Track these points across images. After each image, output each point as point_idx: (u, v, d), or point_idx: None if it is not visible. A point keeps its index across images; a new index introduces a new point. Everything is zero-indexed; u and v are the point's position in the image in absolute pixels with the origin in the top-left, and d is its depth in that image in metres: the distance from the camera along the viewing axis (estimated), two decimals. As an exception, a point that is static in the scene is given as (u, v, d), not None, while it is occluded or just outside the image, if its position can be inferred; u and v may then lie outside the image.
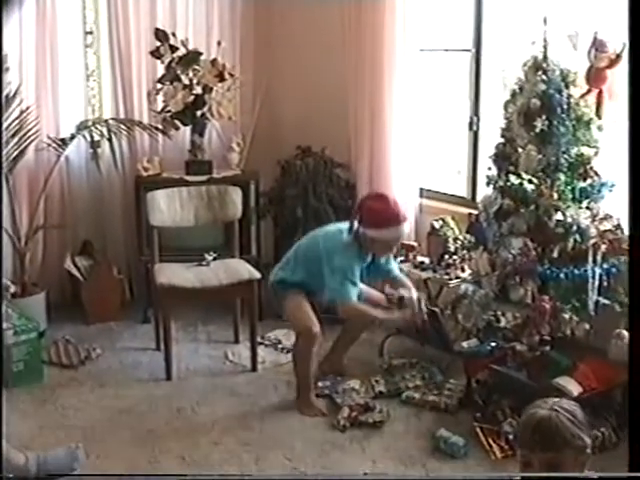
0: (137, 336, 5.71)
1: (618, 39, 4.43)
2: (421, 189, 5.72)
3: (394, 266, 4.89)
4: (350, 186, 5.86)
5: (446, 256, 5.05)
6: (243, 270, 5.15)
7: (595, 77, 4.49)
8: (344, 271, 4.44)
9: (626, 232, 4.35)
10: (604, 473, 3.35)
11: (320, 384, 4.87)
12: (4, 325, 4.78)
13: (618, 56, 4.44)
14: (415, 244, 5.40)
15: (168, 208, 5.29)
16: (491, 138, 4.84)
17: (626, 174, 4.46)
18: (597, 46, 4.46)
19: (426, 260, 5.23)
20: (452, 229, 5.11)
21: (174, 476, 4.07)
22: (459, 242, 5.04)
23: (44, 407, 4.68)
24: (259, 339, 5.38)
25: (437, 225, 5.14)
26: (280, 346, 5.48)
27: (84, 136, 5.69)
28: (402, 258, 5.33)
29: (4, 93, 5.23)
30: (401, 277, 4.85)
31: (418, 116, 5.64)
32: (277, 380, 5.04)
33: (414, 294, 4.64)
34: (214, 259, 5.26)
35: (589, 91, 4.50)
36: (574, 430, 2.47)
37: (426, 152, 5.87)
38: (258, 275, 5.14)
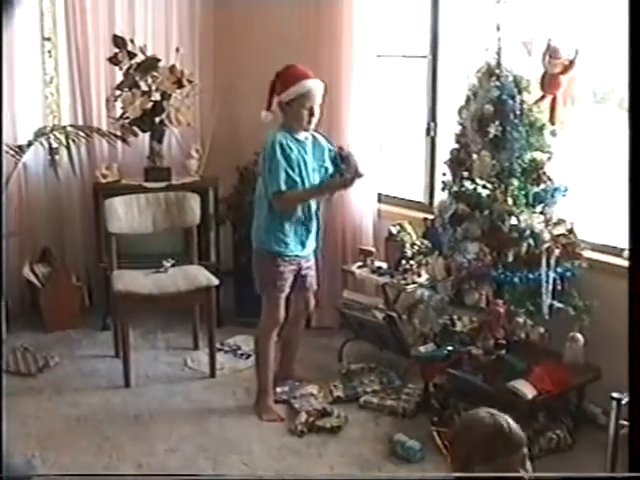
0: (96, 343, 5.69)
1: (571, 45, 4.48)
2: (379, 194, 5.74)
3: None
4: (309, 192, 5.86)
5: (403, 261, 5.07)
6: (201, 277, 5.16)
7: (549, 83, 4.54)
8: (277, 163, 4.44)
9: (579, 236, 4.40)
10: (604, 473, 3.40)
11: (278, 389, 4.88)
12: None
13: (571, 62, 4.49)
14: (373, 249, 5.42)
15: (126, 215, 5.28)
16: (448, 143, 4.87)
17: (577, 179, 4.56)
18: (551, 52, 4.51)
19: (384, 265, 5.25)
20: (409, 234, 5.13)
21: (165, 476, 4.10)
22: (416, 247, 5.06)
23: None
24: (218, 345, 5.39)
25: (394, 230, 5.16)
26: (239, 352, 5.49)
27: (41, 143, 5.66)
28: (360, 263, 5.36)
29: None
30: None
31: (376, 122, 5.66)
32: (236, 386, 5.04)
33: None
34: (172, 266, 5.26)
35: (543, 97, 4.55)
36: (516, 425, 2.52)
37: (384, 158, 5.89)
38: (216, 281, 5.14)
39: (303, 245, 4.64)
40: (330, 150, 4.67)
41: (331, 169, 4.65)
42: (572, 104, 4.68)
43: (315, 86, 4.53)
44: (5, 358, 5.26)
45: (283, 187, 4.41)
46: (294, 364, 5.07)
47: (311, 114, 4.50)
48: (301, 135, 4.56)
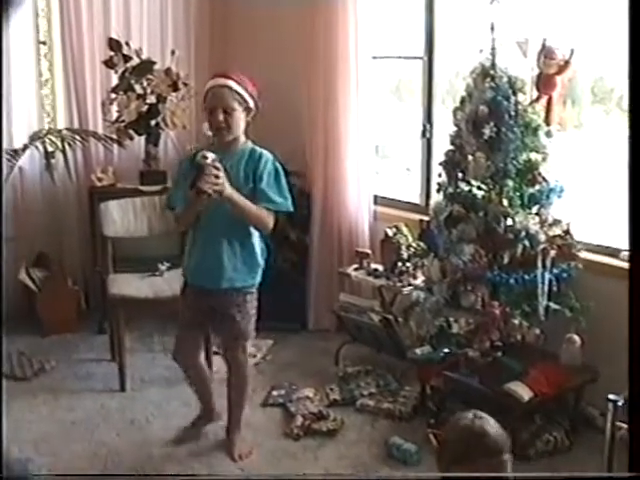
0: (93, 347, 5.67)
1: (567, 45, 4.47)
2: (375, 196, 5.73)
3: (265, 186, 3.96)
4: (305, 194, 5.85)
5: (399, 263, 5.05)
6: (197, 280, 5.14)
7: (544, 84, 4.53)
8: (176, 178, 4.17)
9: (575, 238, 4.38)
10: (605, 474, 3.38)
11: (274, 393, 4.87)
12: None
13: (567, 62, 4.48)
14: (369, 251, 5.41)
15: (121, 218, 5.27)
16: (444, 145, 4.86)
17: (574, 180, 4.55)
18: (546, 53, 4.50)
19: (380, 267, 5.23)
20: (405, 236, 5.11)
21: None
22: (412, 249, 5.04)
23: (-5, 420, 4.64)
24: (214, 349, 5.35)
25: (390, 232, 5.14)
26: (236, 355, 5.46)
27: (37, 147, 5.65)
28: (356, 266, 5.34)
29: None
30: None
31: (372, 123, 5.65)
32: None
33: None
34: (168, 269, 5.25)
35: (539, 98, 4.54)
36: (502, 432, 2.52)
37: (380, 159, 5.88)
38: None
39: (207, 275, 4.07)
40: (256, 168, 3.96)
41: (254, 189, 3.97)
42: (572, 104, 4.68)
43: (219, 84, 3.91)
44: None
45: (173, 202, 4.05)
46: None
47: (215, 117, 3.88)
48: (221, 149, 3.92)
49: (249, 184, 3.94)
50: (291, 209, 4.04)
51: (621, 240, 4.39)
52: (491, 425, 2.50)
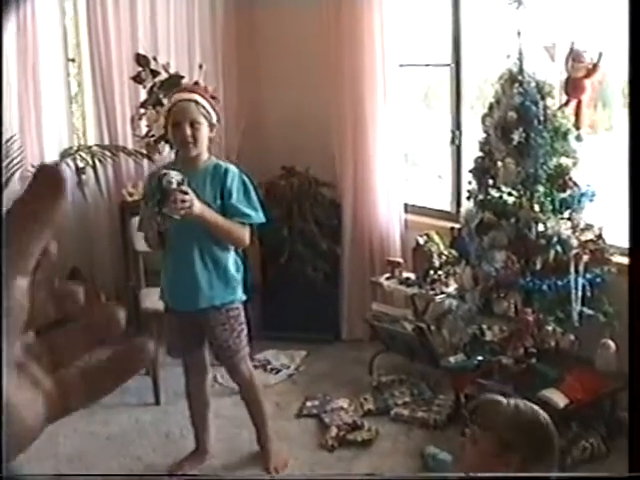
0: (127, 361, 5.68)
1: (595, 49, 4.44)
2: (406, 205, 5.71)
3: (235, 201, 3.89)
4: (335, 205, 5.85)
5: (431, 271, 5.03)
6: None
7: (573, 87, 4.51)
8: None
9: (608, 241, 4.35)
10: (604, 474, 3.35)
11: (309, 404, 4.86)
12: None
13: (595, 66, 4.45)
14: (401, 260, 5.39)
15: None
16: (474, 152, 4.84)
17: (606, 183, 4.51)
18: (574, 56, 4.48)
19: (412, 276, 5.21)
20: (437, 244, 5.09)
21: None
22: (444, 257, 5.02)
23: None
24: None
25: (422, 241, 5.12)
26: (269, 367, 5.46)
27: (68, 164, 5.69)
28: (388, 275, 5.32)
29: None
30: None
31: (401, 132, 5.64)
32: (266, 401, 4.96)
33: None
34: (200, 282, 5.26)
35: (568, 102, 4.51)
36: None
37: (410, 167, 5.87)
38: (244, 297, 5.12)
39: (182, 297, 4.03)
40: (224, 183, 3.86)
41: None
42: (602, 107, 4.64)
43: (186, 98, 3.90)
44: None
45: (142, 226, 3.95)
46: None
47: (182, 131, 3.80)
48: (185, 165, 3.88)
49: (217, 200, 3.84)
50: (263, 220, 4.00)
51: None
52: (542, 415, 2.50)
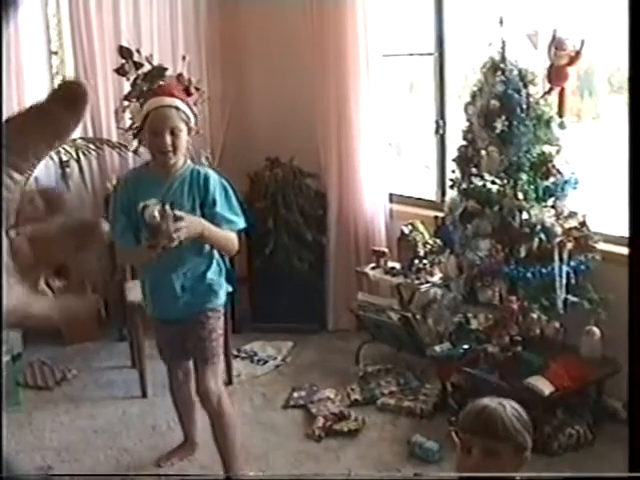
0: (113, 355, 5.68)
1: (577, 36, 4.44)
2: (391, 194, 5.71)
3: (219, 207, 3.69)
4: (320, 195, 5.85)
5: (416, 261, 5.03)
6: (214, 284, 5.15)
7: (556, 75, 4.50)
8: (114, 206, 3.77)
9: (592, 229, 4.36)
10: (605, 474, 3.36)
11: (295, 394, 4.86)
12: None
13: (578, 53, 4.44)
14: (386, 250, 5.39)
15: (137, 225, 5.29)
16: (459, 141, 4.84)
17: (591, 172, 4.52)
18: (557, 44, 4.47)
19: (397, 266, 5.21)
20: (421, 233, 5.09)
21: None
22: (428, 246, 5.02)
23: (20, 430, 4.65)
24: (235, 352, 5.37)
25: (406, 230, 5.12)
26: (256, 358, 5.46)
27: (52, 157, 5.66)
28: (373, 264, 5.33)
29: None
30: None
31: (385, 121, 5.64)
32: (253, 392, 5.02)
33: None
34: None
35: (551, 89, 4.50)
36: (517, 425, 2.48)
37: (395, 157, 5.86)
38: (229, 288, 5.11)
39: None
40: (206, 191, 3.66)
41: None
42: (589, 96, 4.64)
43: (166, 104, 3.61)
44: (22, 372, 5.26)
45: (117, 236, 3.63)
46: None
47: (162, 139, 3.56)
48: (161, 172, 3.69)
49: (197, 208, 3.62)
50: (245, 225, 3.80)
51: None
52: (507, 413, 2.48)
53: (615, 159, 4.80)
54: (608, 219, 4.58)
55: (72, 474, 4.27)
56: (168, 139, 3.53)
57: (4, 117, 0.74)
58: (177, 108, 3.59)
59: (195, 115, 3.76)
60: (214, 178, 3.70)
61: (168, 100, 3.61)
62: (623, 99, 4.91)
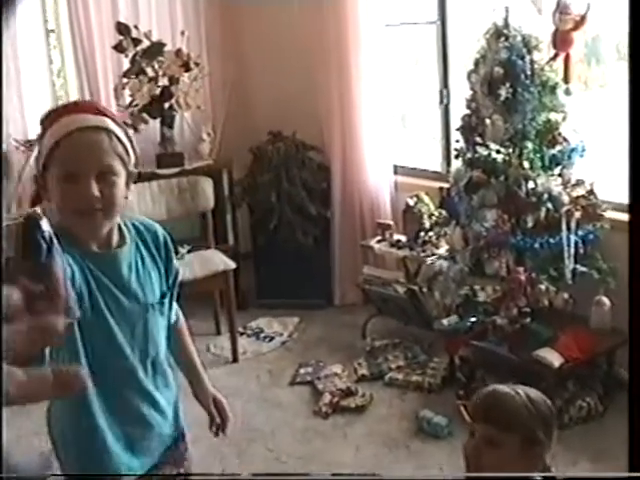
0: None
1: (582, 0, 4.34)
2: (395, 166, 5.63)
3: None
4: (324, 168, 5.77)
5: (422, 233, 4.96)
6: (218, 261, 5.07)
7: (561, 40, 4.41)
8: None
9: (600, 197, 4.27)
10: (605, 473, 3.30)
11: (302, 370, 4.82)
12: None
13: (583, 18, 4.35)
14: (391, 222, 5.32)
15: (139, 203, 5.19)
16: (463, 110, 4.75)
17: (599, 139, 4.43)
18: (561, 9, 4.38)
19: (402, 238, 5.14)
20: (427, 205, 5.01)
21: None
22: (434, 218, 4.94)
23: (20, 415, 4.60)
24: (240, 329, 5.32)
25: (411, 202, 5.04)
26: (262, 335, 5.41)
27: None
28: (379, 238, 5.25)
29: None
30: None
31: (388, 92, 5.55)
32: (259, 369, 4.97)
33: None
34: (188, 252, 5.18)
35: (556, 55, 4.41)
36: (525, 417, 2.32)
37: (398, 128, 5.78)
38: (233, 265, 5.05)
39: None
40: (167, 258, 2.34)
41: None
42: (596, 63, 4.56)
43: (88, 125, 2.02)
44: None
45: None
46: None
47: (85, 189, 1.99)
48: (90, 248, 2.08)
49: (163, 283, 2.34)
50: None
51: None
52: (516, 402, 2.35)
53: (622, 126, 4.71)
54: (616, 187, 4.48)
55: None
56: (94, 189, 1.99)
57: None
58: (109, 132, 2.04)
59: (134, 148, 2.17)
60: (164, 235, 2.33)
61: (92, 119, 2.03)
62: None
